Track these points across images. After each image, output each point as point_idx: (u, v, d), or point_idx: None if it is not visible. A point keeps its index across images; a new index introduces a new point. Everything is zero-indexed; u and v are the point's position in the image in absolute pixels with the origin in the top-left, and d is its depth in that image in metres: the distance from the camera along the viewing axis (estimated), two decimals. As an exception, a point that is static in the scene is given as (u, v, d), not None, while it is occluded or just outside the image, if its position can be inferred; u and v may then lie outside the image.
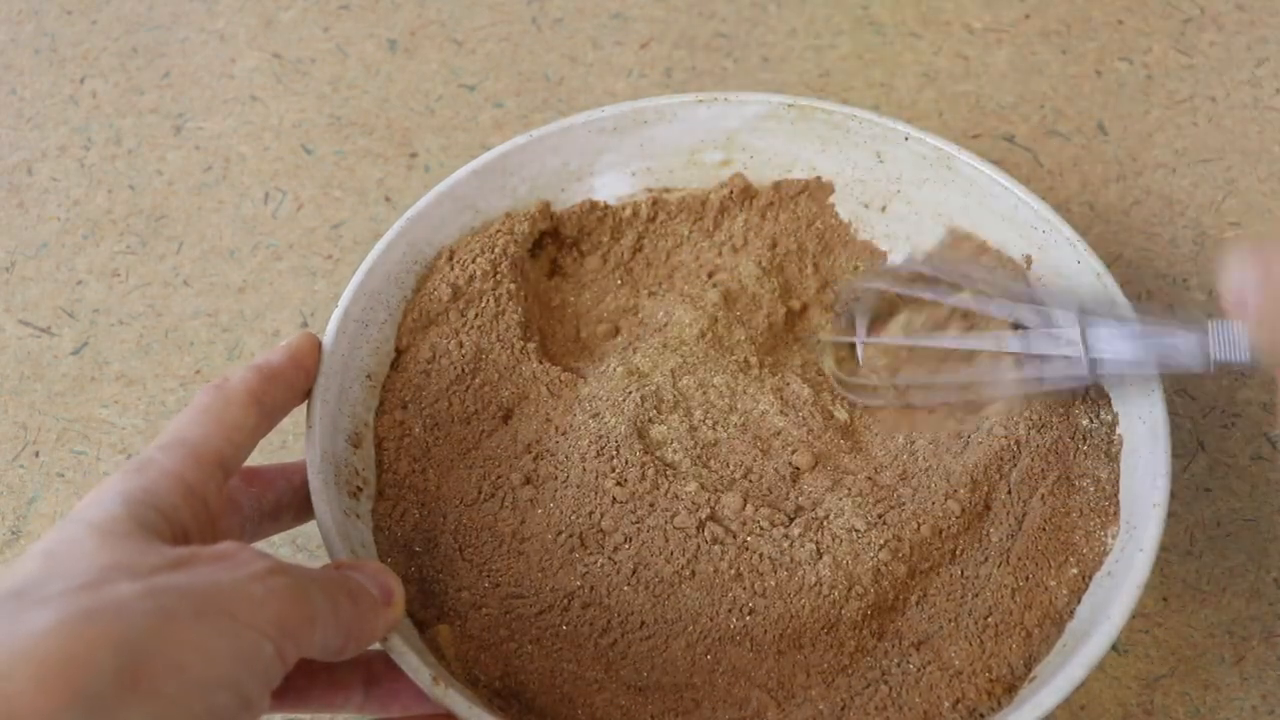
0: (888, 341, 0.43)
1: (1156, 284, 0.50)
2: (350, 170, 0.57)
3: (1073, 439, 0.40)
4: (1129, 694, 0.40)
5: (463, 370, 0.42)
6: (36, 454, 0.48)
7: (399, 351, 0.43)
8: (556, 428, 0.42)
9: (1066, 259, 0.42)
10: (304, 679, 0.33)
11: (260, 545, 0.41)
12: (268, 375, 0.35)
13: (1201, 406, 0.47)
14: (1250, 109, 0.57)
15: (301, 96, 0.60)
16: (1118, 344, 0.37)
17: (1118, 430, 0.39)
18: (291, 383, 0.37)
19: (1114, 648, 0.34)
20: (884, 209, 0.47)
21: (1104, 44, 0.60)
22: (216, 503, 0.31)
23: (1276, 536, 0.43)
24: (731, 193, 0.47)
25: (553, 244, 0.48)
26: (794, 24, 0.62)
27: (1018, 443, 0.40)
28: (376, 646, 0.33)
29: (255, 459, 0.36)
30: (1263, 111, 0.57)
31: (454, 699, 0.32)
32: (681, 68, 0.60)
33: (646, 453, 0.40)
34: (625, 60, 0.61)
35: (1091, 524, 0.38)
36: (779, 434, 0.42)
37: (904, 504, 0.39)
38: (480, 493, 0.40)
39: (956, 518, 0.38)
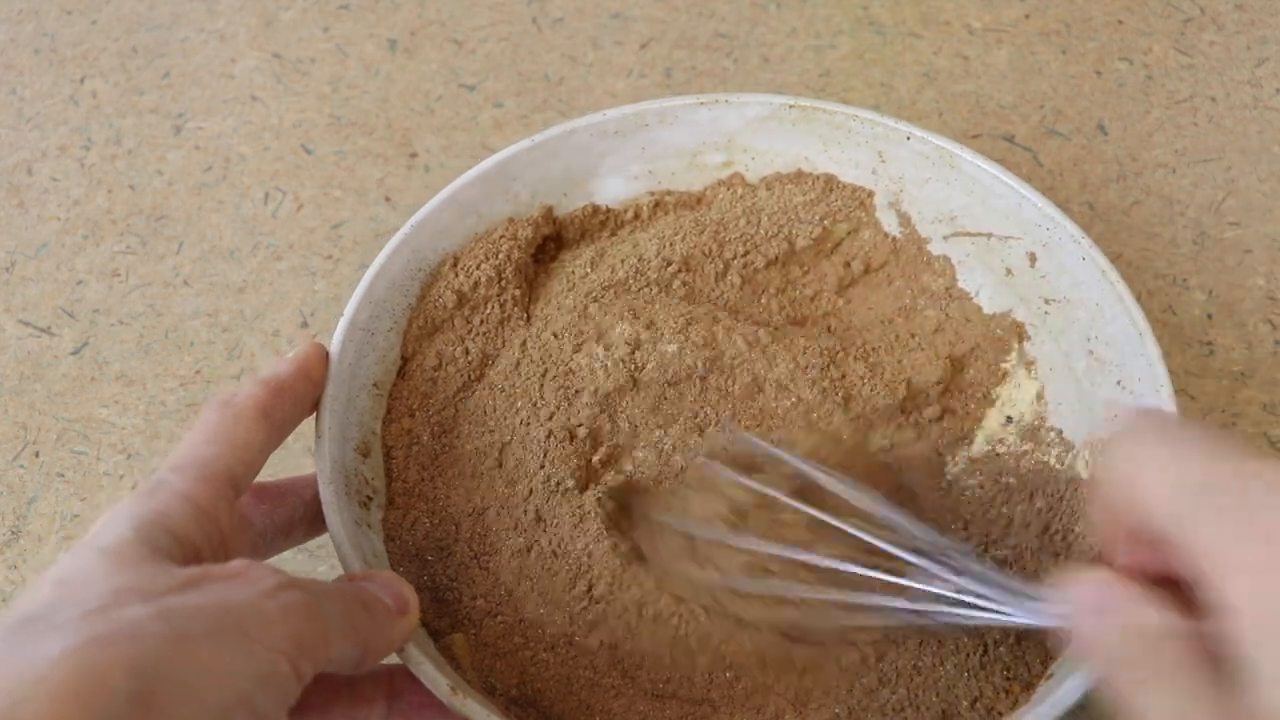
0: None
1: (1156, 284, 0.50)
2: (350, 170, 0.57)
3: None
4: (1130, 694, 0.40)
5: (469, 377, 0.42)
6: (36, 454, 0.48)
7: (405, 359, 0.43)
8: None
9: (1071, 256, 0.41)
10: (326, 694, 0.33)
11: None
12: (275, 390, 0.35)
13: (1202, 407, 0.47)
14: (1250, 109, 0.57)
15: (301, 96, 0.60)
16: (991, 594, 0.33)
17: None
18: (300, 396, 0.36)
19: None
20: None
21: (1104, 44, 0.60)
22: (228, 522, 0.31)
23: (1277, 536, 0.43)
24: (729, 188, 0.47)
25: (555, 248, 0.48)
26: (794, 24, 0.62)
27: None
28: (394, 659, 0.33)
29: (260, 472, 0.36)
30: (1263, 111, 0.57)
31: (472, 708, 0.32)
32: (681, 68, 0.60)
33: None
34: (625, 60, 0.61)
35: None
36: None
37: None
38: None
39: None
